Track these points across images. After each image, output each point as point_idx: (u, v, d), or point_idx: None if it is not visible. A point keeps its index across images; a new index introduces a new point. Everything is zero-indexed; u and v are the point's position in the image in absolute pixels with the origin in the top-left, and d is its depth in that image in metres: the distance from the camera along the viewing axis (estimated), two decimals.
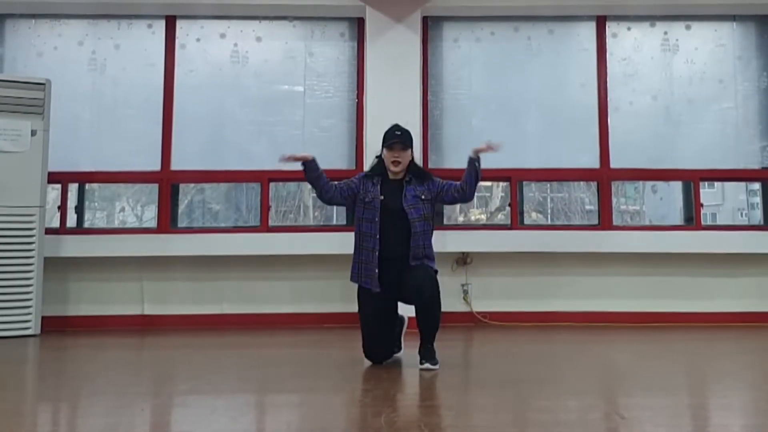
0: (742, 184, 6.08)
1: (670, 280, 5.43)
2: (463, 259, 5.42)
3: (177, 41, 5.70)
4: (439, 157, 5.58)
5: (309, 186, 6.09)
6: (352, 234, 3.74)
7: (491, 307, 5.40)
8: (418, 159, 5.21)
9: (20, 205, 4.90)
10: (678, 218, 5.74)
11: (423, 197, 3.62)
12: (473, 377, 3.39)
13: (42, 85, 5.05)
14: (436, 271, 3.60)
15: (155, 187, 5.55)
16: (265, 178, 5.47)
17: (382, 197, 3.60)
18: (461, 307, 5.38)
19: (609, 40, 5.74)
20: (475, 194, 3.75)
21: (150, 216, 5.88)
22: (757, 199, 5.74)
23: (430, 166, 5.43)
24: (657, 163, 5.59)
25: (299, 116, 5.65)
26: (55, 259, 5.17)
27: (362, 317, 3.63)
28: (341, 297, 5.19)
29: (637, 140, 5.64)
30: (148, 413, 2.59)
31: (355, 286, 3.66)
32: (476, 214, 6.36)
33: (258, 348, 4.42)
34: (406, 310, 3.78)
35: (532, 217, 6.08)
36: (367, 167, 4.07)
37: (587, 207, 6.09)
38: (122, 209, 6.22)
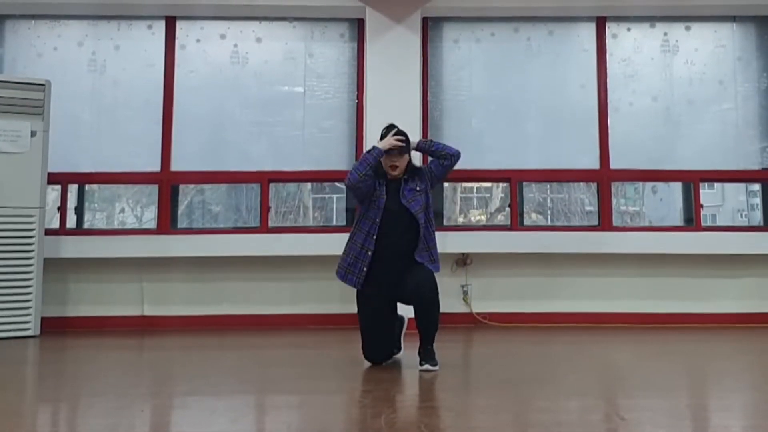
0: (742, 185, 6.08)
1: (670, 281, 5.43)
2: (463, 260, 5.42)
3: (177, 42, 5.70)
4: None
5: (309, 187, 6.17)
6: None
7: (491, 308, 5.40)
8: (419, 160, 5.22)
9: (20, 206, 4.90)
10: (678, 219, 5.74)
11: (418, 188, 3.66)
12: (473, 378, 3.39)
13: (42, 86, 5.05)
14: (437, 261, 3.62)
15: (155, 188, 5.55)
16: (264, 179, 5.47)
17: (384, 197, 3.62)
18: (461, 308, 5.38)
19: (609, 41, 5.74)
20: (453, 154, 3.75)
21: (150, 217, 5.87)
22: (757, 200, 5.74)
23: None
24: (657, 164, 5.59)
25: (299, 117, 5.65)
26: (54, 260, 5.16)
27: (361, 318, 3.63)
28: (341, 298, 5.19)
29: (637, 141, 5.64)
30: (148, 414, 2.59)
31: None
32: (476, 215, 6.36)
33: (258, 349, 4.42)
34: (405, 311, 3.78)
35: (532, 217, 6.08)
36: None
37: (587, 208, 6.09)
38: (122, 210, 6.21)
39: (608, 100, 5.65)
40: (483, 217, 6.33)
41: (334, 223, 5.93)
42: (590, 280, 5.43)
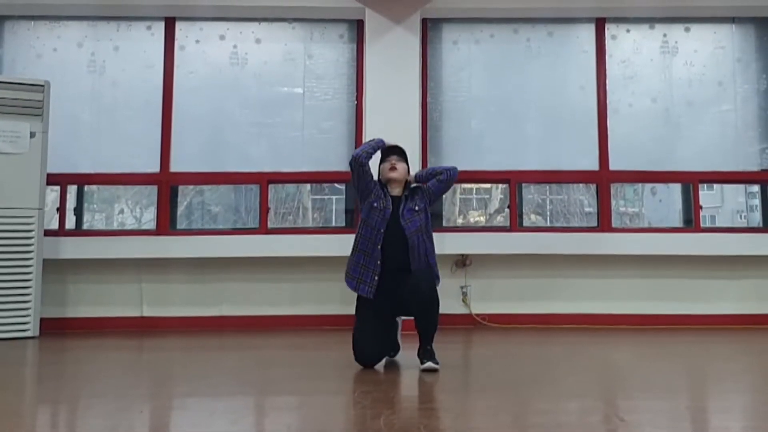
0: (741, 186, 6.09)
1: (669, 282, 5.43)
2: (462, 261, 5.42)
3: (176, 43, 5.70)
4: (438, 159, 5.57)
5: (308, 188, 6.17)
6: (351, 236, 3.75)
7: (490, 309, 5.41)
8: (418, 160, 5.23)
9: (19, 206, 4.90)
10: (677, 220, 5.74)
11: (417, 208, 3.68)
12: (472, 379, 3.39)
13: (41, 87, 5.05)
14: (437, 276, 3.62)
15: (154, 188, 5.55)
16: (264, 180, 5.47)
17: (391, 208, 3.65)
18: (460, 309, 5.38)
19: (608, 42, 5.75)
20: (449, 168, 3.85)
21: (149, 218, 5.87)
22: (756, 202, 5.74)
23: None
24: (656, 165, 5.60)
25: (298, 118, 5.65)
26: (54, 261, 5.16)
27: (357, 322, 3.62)
28: (340, 299, 5.19)
29: (636, 142, 5.65)
30: (148, 415, 2.59)
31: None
32: (475, 216, 6.36)
33: (257, 350, 4.42)
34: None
35: (531, 219, 6.09)
36: None
37: (586, 209, 6.09)
38: (121, 211, 6.21)
39: (608, 102, 5.66)
40: (482, 218, 6.34)
41: (334, 224, 5.93)
42: (589, 282, 5.44)
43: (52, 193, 5.45)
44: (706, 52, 5.77)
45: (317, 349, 4.35)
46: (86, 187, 5.68)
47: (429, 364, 3.42)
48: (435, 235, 3.80)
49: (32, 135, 4.97)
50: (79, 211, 5.53)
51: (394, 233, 3.59)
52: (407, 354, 3.79)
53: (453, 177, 3.81)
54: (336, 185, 5.88)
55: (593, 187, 5.66)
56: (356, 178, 3.71)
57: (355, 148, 5.51)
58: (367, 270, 3.58)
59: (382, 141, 3.81)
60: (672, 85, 5.72)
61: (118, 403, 2.73)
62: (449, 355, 3.88)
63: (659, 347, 4.41)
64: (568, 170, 5.61)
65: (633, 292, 5.43)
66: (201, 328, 5.32)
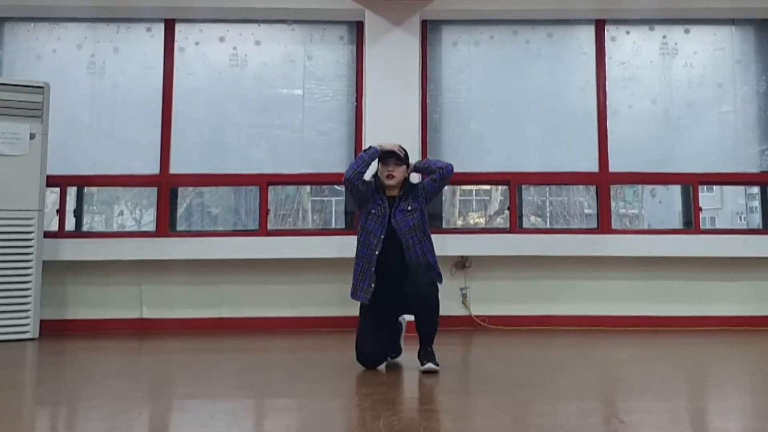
0: (741, 188, 6.09)
1: (668, 283, 5.43)
2: (462, 263, 5.42)
3: (176, 45, 5.70)
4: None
5: (307, 189, 6.16)
6: (351, 238, 3.76)
7: (490, 310, 5.40)
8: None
9: (19, 208, 4.90)
10: (677, 222, 5.74)
11: (410, 208, 3.66)
12: (472, 381, 3.38)
13: (41, 89, 5.05)
14: (438, 275, 3.62)
15: (154, 190, 5.55)
16: (264, 182, 5.47)
17: (388, 212, 3.64)
18: (460, 311, 5.38)
19: (608, 44, 5.75)
20: (443, 167, 3.75)
21: (149, 219, 5.87)
22: (756, 203, 5.74)
23: None
24: (656, 166, 5.59)
25: (298, 120, 5.65)
26: (53, 263, 5.16)
27: (361, 323, 3.63)
28: (340, 301, 5.19)
29: (636, 144, 5.65)
30: (147, 417, 2.59)
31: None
32: (475, 218, 6.36)
33: (257, 352, 4.41)
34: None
35: (531, 220, 6.08)
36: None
37: (586, 211, 6.09)
38: (121, 213, 6.21)
39: (607, 103, 5.66)
40: (482, 220, 6.33)
41: (333, 225, 5.93)
42: (589, 283, 5.43)
43: (52, 195, 5.45)
44: (706, 53, 5.78)
45: (317, 351, 4.34)
46: (86, 189, 5.67)
47: (429, 366, 3.42)
48: (435, 237, 3.78)
49: (32, 136, 4.97)
50: (78, 213, 5.53)
51: (391, 236, 3.60)
52: (408, 356, 3.79)
53: (447, 176, 3.75)
54: (336, 187, 5.87)
55: (593, 188, 5.66)
56: (352, 195, 3.74)
57: (354, 150, 5.52)
58: (364, 277, 3.60)
59: (375, 150, 3.70)
60: (672, 86, 5.73)
61: (117, 405, 2.73)
62: (449, 356, 3.88)
63: (659, 348, 4.41)
64: (567, 172, 5.60)
65: (633, 294, 5.42)
66: (200, 329, 5.31)
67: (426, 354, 3.48)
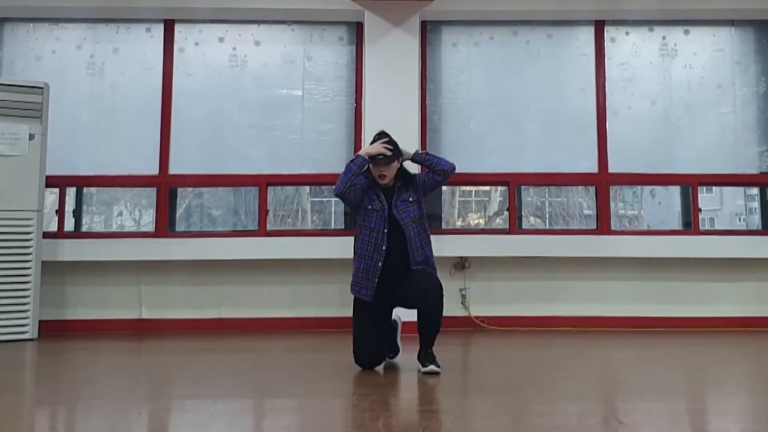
0: (740, 189, 6.08)
1: (668, 284, 5.43)
2: (461, 264, 5.42)
3: (176, 45, 5.70)
4: None
5: (307, 190, 6.16)
6: (350, 239, 3.74)
7: (489, 311, 5.40)
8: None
9: (18, 209, 4.89)
10: (676, 223, 5.74)
11: (411, 199, 3.65)
12: (472, 382, 3.38)
13: (40, 89, 5.05)
14: (434, 268, 3.62)
15: (153, 191, 5.54)
16: (263, 182, 5.47)
17: (387, 206, 3.61)
18: (459, 312, 5.38)
19: (608, 45, 5.75)
20: (447, 170, 3.72)
21: (148, 220, 5.86)
22: (755, 204, 5.74)
23: None
24: (655, 167, 5.59)
25: (298, 120, 5.65)
26: (52, 263, 5.16)
27: (356, 324, 3.62)
28: (339, 301, 5.18)
29: (635, 145, 5.65)
30: (146, 417, 2.58)
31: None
32: (474, 219, 6.36)
33: (256, 352, 4.41)
34: (402, 312, 3.79)
35: (530, 221, 6.07)
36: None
37: (585, 211, 6.08)
38: (120, 213, 6.20)
39: (607, 104, 5.66)
40: (481, 221, 6.33)
41: (333, 226, 5.92)
42: (589, 284, 5.43)
43: (51, 195, 5.44)
44: (706, 54, 5.78)
45: (316, 352, 4.34)
46: (85, 189, 5.67)
47: (431, 368, 3.41)
48: (434, 238, 3.78)
49: (31, 137, 4.97)
50: (78, 213, 5.52)
51: (393, 230, 3.57)
52: (407, 356, 3.79)
53: (449, 177, 3.74)
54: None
55: (592, 189, 5.66)
56: (347, 204, 3.78)
57: (354, 150, 5.51)
58: (368, 275, 3.56)
59: (364, 159, 3.61)
60: (671, 87, 5.73)
61: (117, 405, 2.73)
62: (448, 357, 3.88)
63: (658, 349, 4.41)
64: (567, 173, 5.60)
65: (632, 295, 5.42)
66: (200, 330, 5.31)
67: (427, 355, 3.47)
